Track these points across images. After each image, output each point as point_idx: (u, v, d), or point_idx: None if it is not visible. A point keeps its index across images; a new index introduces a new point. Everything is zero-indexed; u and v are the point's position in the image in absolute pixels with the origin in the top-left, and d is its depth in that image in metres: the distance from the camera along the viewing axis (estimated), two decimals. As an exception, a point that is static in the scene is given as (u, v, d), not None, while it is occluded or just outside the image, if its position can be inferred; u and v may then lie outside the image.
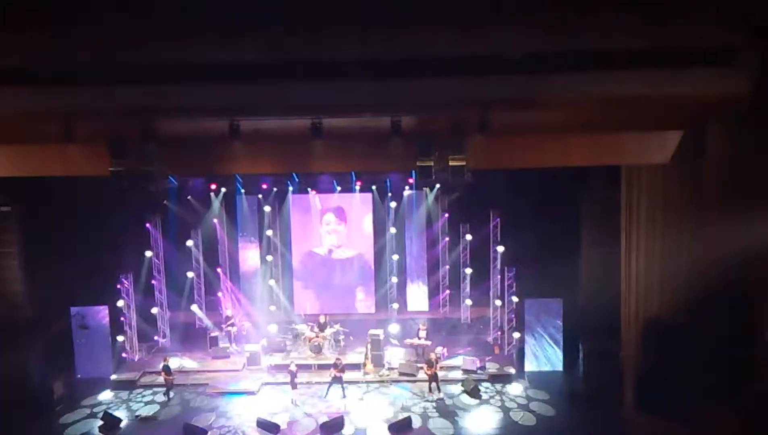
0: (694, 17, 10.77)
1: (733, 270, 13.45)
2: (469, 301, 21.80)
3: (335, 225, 22.83)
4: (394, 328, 21.44)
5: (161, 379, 18.92)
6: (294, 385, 18.13)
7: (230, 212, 22.73)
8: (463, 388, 18.48)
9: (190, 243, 22.02)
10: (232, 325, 21.60)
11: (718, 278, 13.89)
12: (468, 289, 21.92)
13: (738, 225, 13.09)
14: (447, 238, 22.47)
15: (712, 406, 14.46)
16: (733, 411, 14.00)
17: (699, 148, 14.23)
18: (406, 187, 22.08)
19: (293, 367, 18.36)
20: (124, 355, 20.67)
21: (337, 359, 18.50)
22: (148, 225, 21.43)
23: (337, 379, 18.15)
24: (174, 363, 19.64)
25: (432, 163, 13.62)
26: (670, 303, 15.68)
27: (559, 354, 19.65)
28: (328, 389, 18.28)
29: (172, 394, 18.58)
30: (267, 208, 22.49)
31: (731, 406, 14.05)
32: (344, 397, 18.09)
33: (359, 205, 22.68)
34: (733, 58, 11.14)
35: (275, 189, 22.43)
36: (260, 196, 22.55)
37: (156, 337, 21.84)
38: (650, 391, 16.00)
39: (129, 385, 19.23)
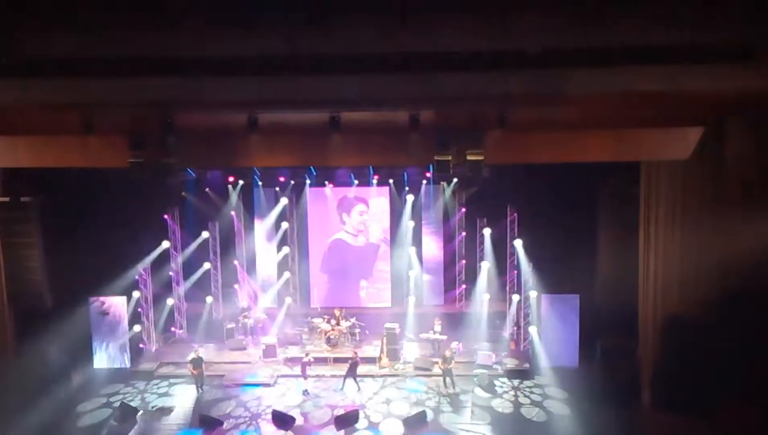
0: (715, 13, 10.64)
1: (752, 267, 13.36)
2: (485, 296, 21.76)
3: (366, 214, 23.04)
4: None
5: (179, 370, 19.16)
6: (305, 376, 18.26)
7: (247, 205, 22.89)
8: (477, 383, 18.48)
9: (206, 235, 22.20)
10: (248, 317, 21.71)
11: (737, 275, 13.80)
12: (484, 283, 21.87)
13: (758, 222, 13.00)
14: (464, 233, 22.43)
15: (730, 404, 14.38)
16: (751, 409, 13.92)
17: (720, 145, 14.11)
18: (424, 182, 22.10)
19: (306, 358, 18.53)
20: (141, 345, 20.80)
21: (354, 353, 18.61)
22: (166, 216, 21.58)
23: (351, 373, 18.24)
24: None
25: (450, 158, 13.57)
26: (689, 300, 15.54)
27: (576, 350, 19.54)
28: (343, 382, 18.35)
29: (200, 387, 18.44)
30: (284, 201, 22.58)
31: (750, 404, 13.98)
32: (359, 390, 18.15)
33: (376, 198, 22.76)
34: (754, 55, 11.01)
35: (292, 182, 22.54)
36: (277, 188, 22.67)
37: (173, 329, 22.02)
38: (668, 388, 15.90)
39: (146, 376, 19.35)
